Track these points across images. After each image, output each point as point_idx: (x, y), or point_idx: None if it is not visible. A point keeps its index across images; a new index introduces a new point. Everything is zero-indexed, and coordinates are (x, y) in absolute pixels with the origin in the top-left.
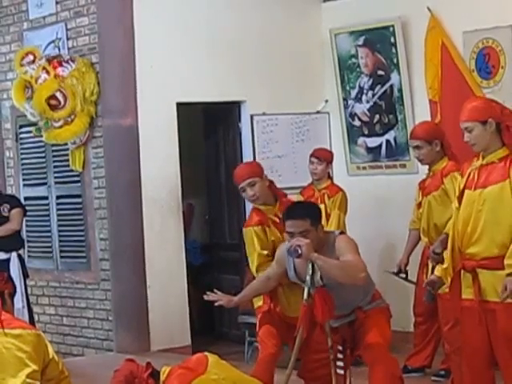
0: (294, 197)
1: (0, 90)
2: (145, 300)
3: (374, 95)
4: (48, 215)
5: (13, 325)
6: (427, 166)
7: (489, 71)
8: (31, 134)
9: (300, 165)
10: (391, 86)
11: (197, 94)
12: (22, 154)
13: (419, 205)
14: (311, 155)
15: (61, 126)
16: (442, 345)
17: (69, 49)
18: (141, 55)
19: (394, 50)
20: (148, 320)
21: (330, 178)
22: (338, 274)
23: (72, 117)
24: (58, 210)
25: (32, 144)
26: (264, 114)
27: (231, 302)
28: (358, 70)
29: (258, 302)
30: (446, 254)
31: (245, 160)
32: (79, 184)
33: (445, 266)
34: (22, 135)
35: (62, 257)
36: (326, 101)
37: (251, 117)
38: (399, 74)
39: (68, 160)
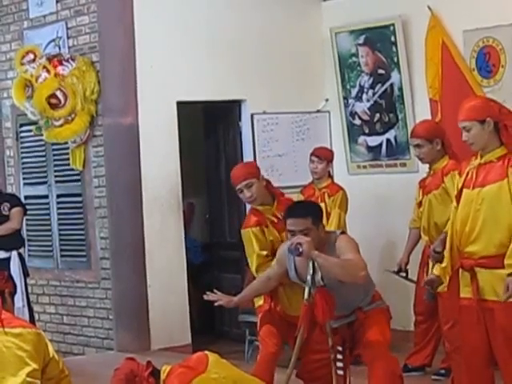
0: (295, 196)
1: (0, 89)
2: (145, 299)
3: (374, 94)
4: (48, 214)
5: (13, 324)
6: (427, 165)
7: (489, 70)
8: (31, 133)
9: (300, 164)
10: (391, 85)
11: (197, 93)
12: (22, 152)
13: (419, 204)
14: (311, 154)
15: (61, 125)
16: (442, 344)
17: (69, 48)
18: (141, 54)
19: (394, 49)
20: (148, 319)
21: (331, 176)
22: (338, 272)
23: (72, 115)
24: (58, 208)
25: (32, 143)
26: (264, 112)
27: (231, 302)
28: (358, 68)
29: (259, 301)
30: (445, 253)
31: (245, 159)
32: (79, 183)
33: (443, 264)
34: (23, 134)
35: (62, 256)
36: (327, 100)
37: (251, 116)
38: (400, 72)
39: (68, 159)
